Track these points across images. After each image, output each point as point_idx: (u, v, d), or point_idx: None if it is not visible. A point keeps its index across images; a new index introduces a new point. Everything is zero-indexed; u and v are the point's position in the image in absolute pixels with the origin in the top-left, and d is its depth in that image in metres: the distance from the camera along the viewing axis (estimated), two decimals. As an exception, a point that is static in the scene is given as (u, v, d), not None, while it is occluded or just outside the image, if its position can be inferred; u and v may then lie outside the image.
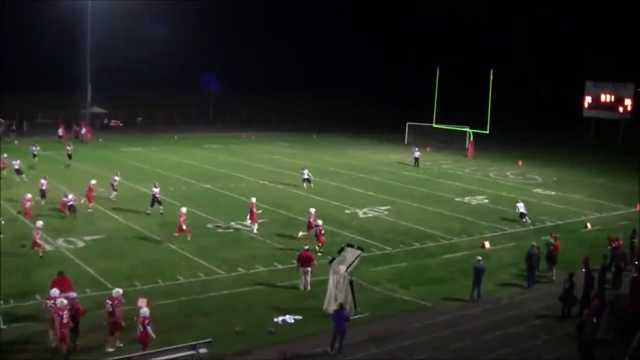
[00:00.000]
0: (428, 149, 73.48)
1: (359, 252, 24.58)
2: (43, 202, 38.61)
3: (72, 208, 35.67)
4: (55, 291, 20.76)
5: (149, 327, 19.44)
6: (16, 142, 66.34)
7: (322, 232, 31.93)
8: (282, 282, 27.10)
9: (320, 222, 32.57)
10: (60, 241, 31.80)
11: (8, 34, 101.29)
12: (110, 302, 20.76)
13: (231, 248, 31.71)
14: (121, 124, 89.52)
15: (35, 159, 53.36)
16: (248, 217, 34.97)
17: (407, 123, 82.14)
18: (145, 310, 19.71)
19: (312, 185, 46.91)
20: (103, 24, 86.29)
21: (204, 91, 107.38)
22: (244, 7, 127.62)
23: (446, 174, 58.21)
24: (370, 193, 46.50)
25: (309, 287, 26.25)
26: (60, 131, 71.31)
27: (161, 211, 37.27)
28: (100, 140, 71.03)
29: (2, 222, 32.69)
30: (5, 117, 75.29)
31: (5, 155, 49.19)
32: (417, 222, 38.60)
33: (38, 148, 55.32)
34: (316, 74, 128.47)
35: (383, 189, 48.35)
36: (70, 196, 35.92)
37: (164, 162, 58.74)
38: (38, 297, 23.87)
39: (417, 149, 63.64)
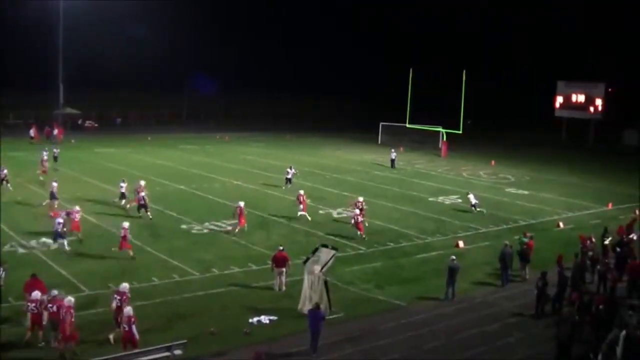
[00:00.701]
0: (402, 149, 73.76)
1: (333, 252, 24.51)
2: (56, 203, 38.05)
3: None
4: (37, 293, 20.54)
5: (134, 327, 19.31)
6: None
7: (362, 217, 34.62)
8: (257, 282, 27.07)
9: (361, 198, 37.04)
10: (33, 242, 31.51)
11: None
12: (118, 297, 20.92)
13: (206, 249, 31.62)
14: (96, 125, 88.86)
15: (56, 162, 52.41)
16: (235, 220, 34.83)
17: (381, 123, 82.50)
18: (129, 309, 19.57)
19: (289, 186, 46.70)
20: (76, 22, 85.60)
21: (196, 92, 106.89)
22: (220, 4, 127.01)
23: (420, 174, 58.52)
24: (345, 193, 46.61)
25: (283, 288, 26.22)
26: (32, 132, 70.60)
27: (150, 217, 36.83)
28: (72, 141, 70.46)
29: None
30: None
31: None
32: (391, 222, 38.72)
33: (58, 151, 54.47)
34: (291, 74, 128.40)
35: (357, 189, 48.42)
36: (77, 207, 33.22)
37: (138, 162, 58.51)
38: (11, 299, 23.65)
39: (393, 150, 63.93)
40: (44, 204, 38.43)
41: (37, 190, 43.96)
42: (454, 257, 27.03)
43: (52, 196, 38.23)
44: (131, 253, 29.39)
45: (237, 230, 34.40)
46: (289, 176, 47.53)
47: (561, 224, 40.23)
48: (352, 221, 34.93)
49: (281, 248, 26.82)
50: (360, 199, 38.17)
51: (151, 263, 29.13)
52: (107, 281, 26.24)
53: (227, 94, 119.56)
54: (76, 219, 31.73)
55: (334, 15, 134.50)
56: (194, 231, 34.67)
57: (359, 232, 34.27)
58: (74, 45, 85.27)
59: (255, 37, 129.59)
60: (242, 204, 35.28)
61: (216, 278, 27.53)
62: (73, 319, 19.69)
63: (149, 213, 37.01)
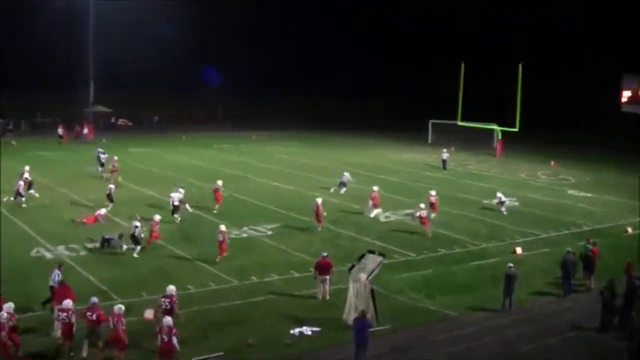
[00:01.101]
0: (453, 148, 72.99)
1: (380, 258, 24.46)
2: (110, 205, 39.23)
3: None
4: (68, 302, 20.64)
5: (174, 338, 19.34)
6: (14, 142, 66.70)
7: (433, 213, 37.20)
8: (299, 291, 27.04)
9: (433, 192, 39.59)
10: (61, 248, 31.85)
11: (6, 30, 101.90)
12: (167, 301, 21.55)
13: (244, 255, 31.66)
14: (130, 123, 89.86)
15: (102, 168, 51.66)
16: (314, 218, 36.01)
17: (430, 121, 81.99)
18: (169, 320, 19.63)
19: (343, 190, 46.63)
20: (107, 18, 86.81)
21: (204, 84, 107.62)
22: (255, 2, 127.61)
23: (472, 175, 58.15)
24: (392, 195, 46.31)
25: (327, 297, 26.09)
26: (60, 131, 71.65)
27: (177, 221, 37.09)
28: (103, 140, 71.31)
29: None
30: (3, 116, 75.65)
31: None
32: (442, 227, 38.36)
33: (105, 155, 52.91)
34: (333, 71, 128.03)
35: (405, 191, 48.30)
36: (137, 223, 32.32)
37: (172, 163, 59.12)
38: (36, 308, 23.91)
39: (445, 150, 63.38)
40: (108, 208, 39.05)
41: (64, 192, 44.58)
42: (511, 264, 26.68)
43: (110, 198, 39.48)
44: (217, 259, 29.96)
45: (319, 228, 35.79)
46: (344, 180, 47.25)
47: (629, 229, 39.36)
48: (417, 214, 35.96)
49: (325, 254, 26.61)
50: (433, 192, 39.85)
51: (186, 270, 29.24)
52: (139, 289, 26.41)
53: (263, 92, 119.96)
54: (155, 230, 31.69)
55: (373, 8, 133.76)
56: (231, 236, 34.54)
57: (425, 230, 35.63)
58: (106, 43, 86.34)
59: (281, 34, 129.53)
60: (320, 200, 36.51)
61: (255, 286, 27.54)
62: (124, 327, 19.90)
63: (176, 216, 37.30)
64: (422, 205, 36.55)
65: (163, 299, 21.63)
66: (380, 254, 24.77)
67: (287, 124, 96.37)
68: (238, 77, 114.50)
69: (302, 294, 26.65)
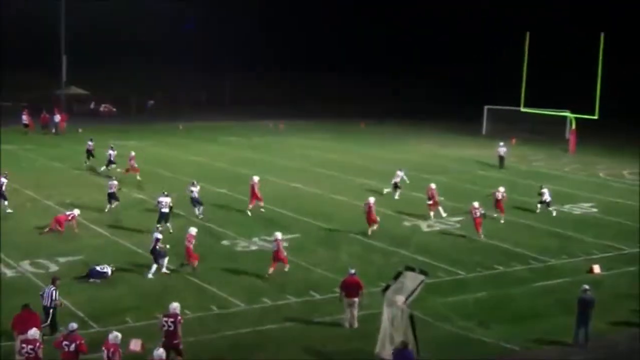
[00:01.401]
0: (513, 140, 73.07)
1: (421, 277, 24.19)
2: (114, 205, 40.95)
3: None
4: (34, 332, 20.60)
5: None
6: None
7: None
8: (321, 317, 26.99)
9: (502, 188, 42.26)
10: (25, 264, 31.94)
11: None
12: (171, 320, 22.04)
13: (253, 272, 31.55)
14: (114, 109, 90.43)
15: (111, 166, 52.88)
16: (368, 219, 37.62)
17: (486, 107, 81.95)
18: (160, 352, 19.63)
19: (397, 193, 47.20)
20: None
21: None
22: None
23: (538, 174, 57.76)
24: (438, 199, 45.82)
25: (355, 324, 26.00)
26: (25, 118, 71.59)
27: (170, 230, 37.17)
28: (80, 130, 71.81)
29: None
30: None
31: (133, 153, 51.50)
32: (499, 238, 38.21)
33: (114, 152, 53.67)
34: (364, 47, 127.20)
35: (454, 194, 47.97)
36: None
37: (166, 159, 59.33)
38: (-1, 337, 23.88)
39: (502, 144, 62.88)
40: (113, 206, 40.81)
41: (32, 195, 45.05)
42: (586, 286, 26.26)
43: (114, 197, 40.86)
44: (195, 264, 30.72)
45: (374, 228, 37.48)
46: (397, 180, 47.47)
47: None
48: (476, 213, 37.78)
49: (352, 272, 26.52)
50: (501, 189, 41.81)
51: (182, 290, 29.12)
52: (123, 314, 26.34)
53: (281, 72, 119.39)
54: (190, 247, 31.63)
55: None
56: (238, 248, 34.81)
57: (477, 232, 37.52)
58: (82, 6, 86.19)
59: (306, 6, 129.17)
60: (372, 200, 38.27)
61: (267, 310, 27.50)
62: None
63: (168, 225, 37.44)
64: (476, 204, 37.82)
65: (165, 319, 21.90)
66: (422, 272, 24.53)
67: (314, 111, 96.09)
68: (254, 53, 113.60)
69: (325, 321, 26.50)
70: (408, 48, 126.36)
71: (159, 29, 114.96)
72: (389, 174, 50.25)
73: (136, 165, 50.35)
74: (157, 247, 31.00)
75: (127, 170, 49.65)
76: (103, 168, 52.32)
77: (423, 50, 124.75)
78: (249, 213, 41.24)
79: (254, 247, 35.21)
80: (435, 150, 70.15)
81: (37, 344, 20.25)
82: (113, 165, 52.05)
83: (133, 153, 51.27)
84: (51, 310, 23.98)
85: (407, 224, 40.79)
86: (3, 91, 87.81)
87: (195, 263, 31.17)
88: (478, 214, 37.63)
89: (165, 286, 29.65)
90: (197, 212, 39.89)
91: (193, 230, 31.77)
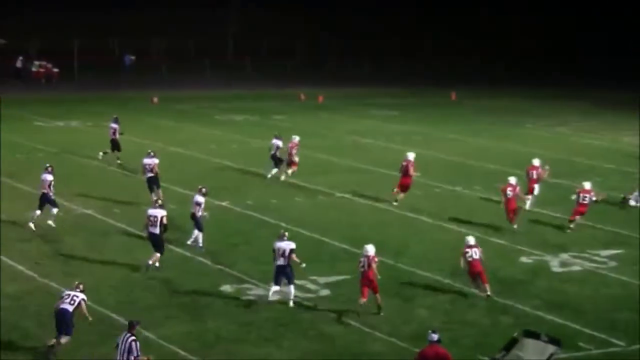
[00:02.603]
0: None
1: (552, 349, 19.56)
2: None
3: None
4: None
5: None
6: None
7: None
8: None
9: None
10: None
11: None
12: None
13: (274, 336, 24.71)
14: (55, 70, 78.86)
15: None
16: None
17: None
18: None
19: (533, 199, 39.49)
20: None
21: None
22: None
23: None
24: (577, 220, 37.08)
25: None
26: None
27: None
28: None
29: None
30: None
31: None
32: None
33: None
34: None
35: (605, 213, 38.70)
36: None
37: (127, 149, 47.02)
38: None
39: None
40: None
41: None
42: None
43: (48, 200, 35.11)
44: None
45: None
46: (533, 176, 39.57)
47: None
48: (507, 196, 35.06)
49: (435, 337, 20.51)
50: (536, 162, 38.90)
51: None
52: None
53: (315, 9, 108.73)
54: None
55: None
56: (247, 298, 27.52)
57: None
58: None
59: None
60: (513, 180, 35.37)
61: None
62: None
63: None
64: (513, 180, 35.25)
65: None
66: (552, 340, 19.61)
67: (378, 77, 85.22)
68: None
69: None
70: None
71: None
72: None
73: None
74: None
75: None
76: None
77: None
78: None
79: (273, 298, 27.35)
80: (567, 136, 59.03)
81: None
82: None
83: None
84: None
85: (525, 259, 32.62)
86: None
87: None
88: (511, 193, 35.33)
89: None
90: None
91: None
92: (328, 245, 32.66)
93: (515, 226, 35.96)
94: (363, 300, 26.30)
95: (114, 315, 24.84)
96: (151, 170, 37.30)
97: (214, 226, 34.22)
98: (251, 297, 27.64)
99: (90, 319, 21.85)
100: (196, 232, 32.98)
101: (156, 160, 37.37)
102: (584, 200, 36.16)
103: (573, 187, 40.91)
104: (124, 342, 20.62)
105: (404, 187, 38.59)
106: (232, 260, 31.53)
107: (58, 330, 22.07)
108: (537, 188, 38.64)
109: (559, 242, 34.80)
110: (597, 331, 25.81)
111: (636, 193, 40.50)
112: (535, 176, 38.48)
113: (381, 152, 52.03)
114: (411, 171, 38.66)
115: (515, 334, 20.25)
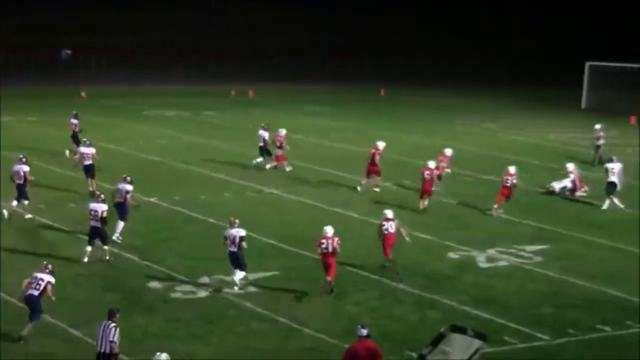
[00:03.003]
0: (633, 119, 62.91)
1: (478, 343, 19.31)
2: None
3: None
4: None
5: None
6: None
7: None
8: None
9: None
10: None
11: None
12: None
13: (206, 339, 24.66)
14: None
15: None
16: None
17: (587, 64, 73.97)
18: None
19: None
20: None
21: None
22: None
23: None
24: (505, 217, 38.18)
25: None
26: None
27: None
28: None
29: None
30: None
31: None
32: (605, 280, 30.57)
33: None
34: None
35: (531, 208, 39.71)
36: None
37: (53, 143, 48.35)
38: None
39: (599, 127, 51.49)
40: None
41: None
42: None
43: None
44: None
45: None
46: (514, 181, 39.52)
47: None
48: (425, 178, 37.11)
49: (364, 332, 20.66)
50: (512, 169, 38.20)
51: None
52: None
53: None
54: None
55: None
56: (175, 295, 27.42)
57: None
58: None
59: None
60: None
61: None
62: None
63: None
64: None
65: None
66: (478, 335, 19.41)
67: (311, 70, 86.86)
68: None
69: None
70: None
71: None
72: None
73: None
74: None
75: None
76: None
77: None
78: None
79: (203, 294, 28.05)
80: (499, 133, 60.14)
81: None
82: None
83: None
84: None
85: (453, 255, 32.95)
86: None
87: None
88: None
89: None
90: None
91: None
92: (256, 242, 32.55)
93: (421, 207, 37.33)
94: (329, 278, 27.04)
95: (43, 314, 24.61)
96: (90, 159, 37.75)
97: (141, 222, 34.68)
98: (179, 294, 27.85)
99: (53, 299, 22.19)
100: (120, 222, 32.67)
101: (93, 150, 37.92)
102: (506, 182, 37.55)
103: (500, 183, 41.32)
104: (105, 329, 20.84)
105: (373, 173, 40.33)
106: (160, 257, 31.56)
107: (30, 317, 22.50)
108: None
109: (486, 238, 35.31)
110: (523, 325, 26.37)
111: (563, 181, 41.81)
112: (509, 183, 38.48)
113: (313, 148, 52.75)
114: (377, 159, 40.00)
115: (442, 329, 20.17)
